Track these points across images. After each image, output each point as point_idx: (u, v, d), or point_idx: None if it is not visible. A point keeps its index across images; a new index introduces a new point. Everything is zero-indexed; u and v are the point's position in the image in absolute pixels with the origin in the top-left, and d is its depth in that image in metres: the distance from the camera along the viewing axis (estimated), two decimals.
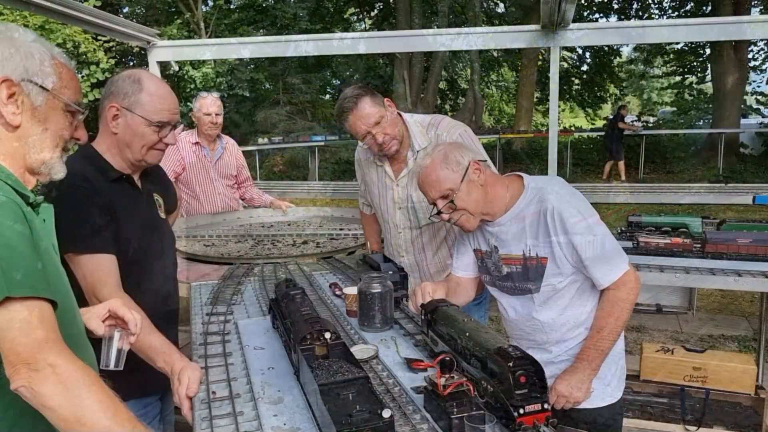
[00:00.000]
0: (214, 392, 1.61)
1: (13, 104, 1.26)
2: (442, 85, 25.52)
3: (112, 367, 1.46)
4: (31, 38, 1.30)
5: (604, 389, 2.11)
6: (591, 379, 2.01)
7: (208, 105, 3.97)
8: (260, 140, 15.92)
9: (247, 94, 19.26)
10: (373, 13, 25.62)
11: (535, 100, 21.88)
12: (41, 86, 1.28)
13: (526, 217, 2.05)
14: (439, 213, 2.08)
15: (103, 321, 1.49)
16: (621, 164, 14.72)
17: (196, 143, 4.03)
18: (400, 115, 2.73)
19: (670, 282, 3.18)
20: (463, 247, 2.29)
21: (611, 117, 16.31)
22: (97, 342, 1.48)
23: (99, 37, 15.18)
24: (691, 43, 19.36)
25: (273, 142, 16.02)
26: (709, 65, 19.12)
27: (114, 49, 16.55)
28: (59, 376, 1.08)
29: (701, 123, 19.48)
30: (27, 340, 1.08)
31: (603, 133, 17.88)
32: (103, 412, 1.09)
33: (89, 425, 1.08)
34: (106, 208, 1.92)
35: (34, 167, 1.32)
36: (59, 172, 1.36)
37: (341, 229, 3.76)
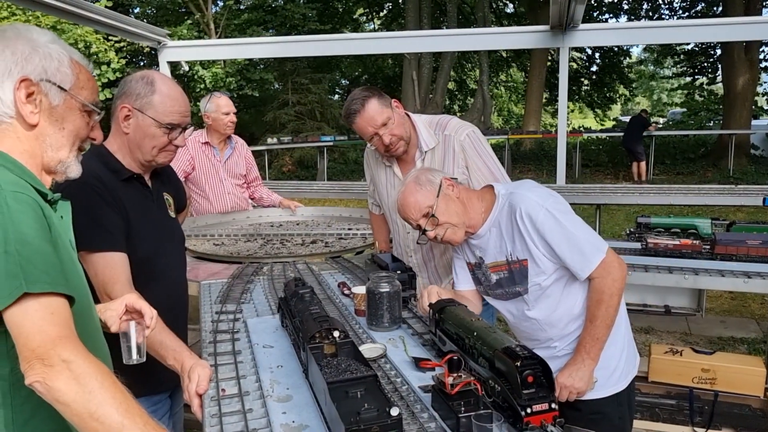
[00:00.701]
0: (223, 390, 1.63)
1: (31, 103, 1.28)
2: (451, 85, 25.54)
3: (134, 360, 1.48)
4: (50, 39, 1.32)
5: (609, 378, 2.12)
6: (592, 368, 2.02)
7: (226, 105, 4.01)
8: (269, 140, 15.97)
9: (257, 94, 19.33)
10: (382, 14, 25.69)
11: (543, 100, 21.86)
12: (59, 86, 1.31)
13: (502, 224, 2.10)
14: (424, 232, 2.13)
15: (120, 317, 1.51)
16: (642, 165, 14.70)
17: (206, 143, 4.06)
18: (408, 116, 2.74)
19: (678, 283, 3.17)
20: (459, 262, 2.33)
21: (632, 117, 16.27)
22: (112, 337, 1.50)
23: (110, 38, 15.30)
24: (702, 43, 19.28)
25: (282, 142, 16.07)
26: (719, 66, 19.02)
27: (125, 49, 16.67)
28: (73, 372, 1.09)
29: (711, 124, 19.38)
30: (41, 336, 1.10)
31: (612, 135, 17.91)
32: (115, 408, 1.11)
33: (102, 420, 1.09)
34: (118, 207, 1.95)
35: (51, 166, 1.34)
36: (74, 172, 1.39)
37: (350, 229, 3.78)
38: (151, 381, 1.95)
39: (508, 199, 2.08)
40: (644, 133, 14.98)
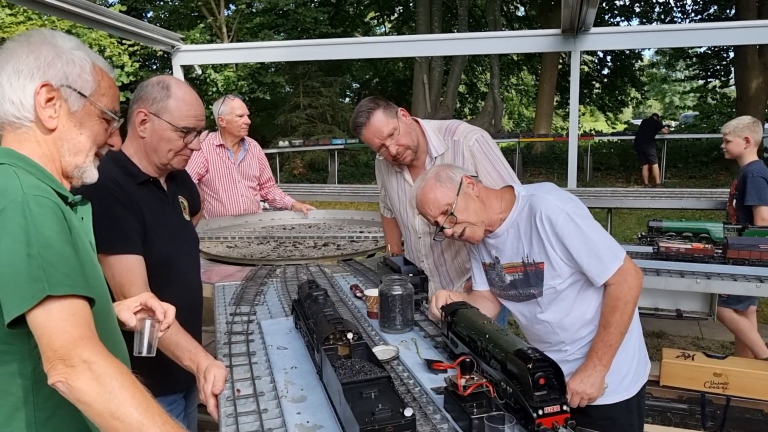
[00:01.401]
0: (238, 390, 1.65)
1: (50, 108, 1.31)
2: (462, 88, 25.50)
3: (144, 353, 1.50)
4: (74, 45, 1.35)
5: (619, 384, 2.12)
6: (603, 375, 2.03)
7: (240, 107, 4.06)
8: (280, 143, 16.03)
9: (268, 98, 19.42)
10: (393, 17, 25.71)
11: (555, 103, 21.79)
12: (79, 92, 1.33)
13: (521, 225, 2.10)
14: (442, 230, 2.13)
15: (135, 313, 1.54)
16: (655, 168, 14.61)
17: (220, 145, 4.10)
18: (417, 122, 2.76)
19: (690, 288, 3.16)
20: (476, 263, 2.35)
21: (644, 120, 16.16)
22: (129, 335, 1.52)
23: (124, 42, 15.44)
24: (714, 46, 19.15)
25: (293, 145, 16.11)
26: (732, 69, 18.88)
27: (138, 53, 16.82)
28: (93, 372, 1.12)
29: None
30: (63, 337, 1.12)
31: (624, 138, 17.81)
32: (135, 407, 1.13)
33: (122, 419, 1.12)
34: (134, 210, 1.98)
35: (68, 171, 1.37)
36: (91, 177, 1.41)
37: (361, 232, 3.79)
38: (166, 381, 1.96)
39: (528, 201, 2.09)
40: (656, 137, 14.90)
